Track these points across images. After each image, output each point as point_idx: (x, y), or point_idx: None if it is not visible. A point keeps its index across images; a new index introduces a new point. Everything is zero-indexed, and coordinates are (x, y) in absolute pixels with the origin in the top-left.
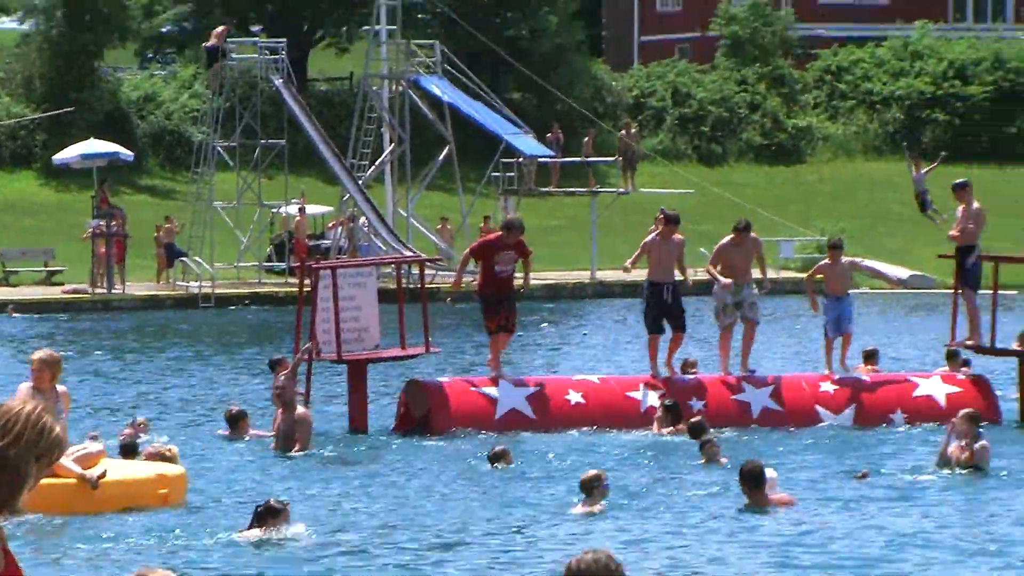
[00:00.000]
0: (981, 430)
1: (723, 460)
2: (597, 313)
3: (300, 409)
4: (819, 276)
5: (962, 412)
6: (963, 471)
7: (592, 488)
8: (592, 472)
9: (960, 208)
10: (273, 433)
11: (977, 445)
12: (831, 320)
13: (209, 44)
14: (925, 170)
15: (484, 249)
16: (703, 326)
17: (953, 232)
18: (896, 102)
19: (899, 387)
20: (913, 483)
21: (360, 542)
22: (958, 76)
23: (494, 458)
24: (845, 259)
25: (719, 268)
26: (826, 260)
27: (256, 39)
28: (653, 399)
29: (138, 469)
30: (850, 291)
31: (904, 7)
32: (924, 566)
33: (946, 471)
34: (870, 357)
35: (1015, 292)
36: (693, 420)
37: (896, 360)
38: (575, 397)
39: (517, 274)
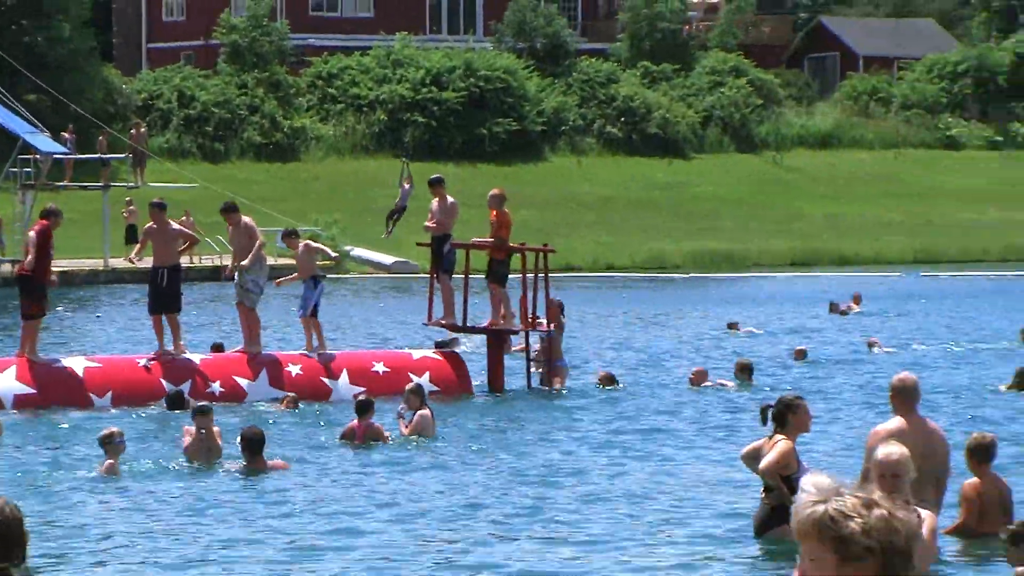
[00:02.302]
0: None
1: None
2: (110, 298)
3: None
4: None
5: (408, 386)
6: (414, 439)
7: (108, 445)
8: (106, 430)
9: (435, 201)
10: None
11: (416, 415)
12: (302, 301)
13: None
14: (409, 186)
15: (42, 237)
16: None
17: (429, 223)
18: (380, 105)
19: (381, 361)
20: (395, 452)
21: None
22: (435, 82)
23: None
24: (302, 243)
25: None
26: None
27: None
28: (162, 377)
29: None
30: (314, 276)
31: (386, 20)
32: (387, 533)
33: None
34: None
35: (482, 276)
36: None
37: (385, 339)
38: (92, 375)
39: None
